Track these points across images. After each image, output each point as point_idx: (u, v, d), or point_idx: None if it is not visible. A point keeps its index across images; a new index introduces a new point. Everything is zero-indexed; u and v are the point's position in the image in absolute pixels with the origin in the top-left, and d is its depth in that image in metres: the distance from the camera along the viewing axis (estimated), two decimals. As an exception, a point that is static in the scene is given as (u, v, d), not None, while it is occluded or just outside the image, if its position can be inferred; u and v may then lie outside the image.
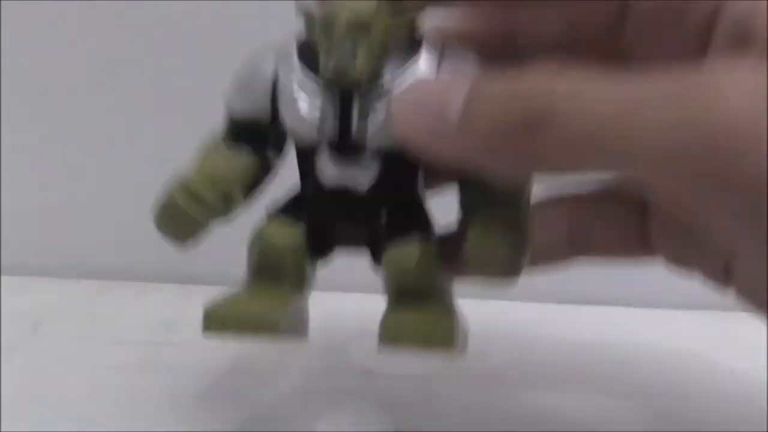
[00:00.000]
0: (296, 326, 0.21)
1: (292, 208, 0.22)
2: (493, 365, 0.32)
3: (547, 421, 0.28)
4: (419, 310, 0.20)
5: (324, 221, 0.22)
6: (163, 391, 0.29)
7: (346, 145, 0.20)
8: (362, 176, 0.21)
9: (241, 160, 0.22)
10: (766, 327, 0.33)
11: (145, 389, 0.29)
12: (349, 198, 0.21)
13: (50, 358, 0.32)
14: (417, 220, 0.22)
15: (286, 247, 0.21)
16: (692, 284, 0.24)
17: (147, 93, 0.41)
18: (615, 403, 0.29)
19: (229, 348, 0.31)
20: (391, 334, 0.19)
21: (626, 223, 0.24)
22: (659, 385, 0.31)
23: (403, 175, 0.21)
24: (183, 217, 0.20)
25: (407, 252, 0.21)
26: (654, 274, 0.39)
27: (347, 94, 0.20)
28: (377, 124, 0.20)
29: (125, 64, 0.40)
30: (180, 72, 0.40)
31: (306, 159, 0.21)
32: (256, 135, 0.22)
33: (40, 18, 0.40)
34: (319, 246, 0.22)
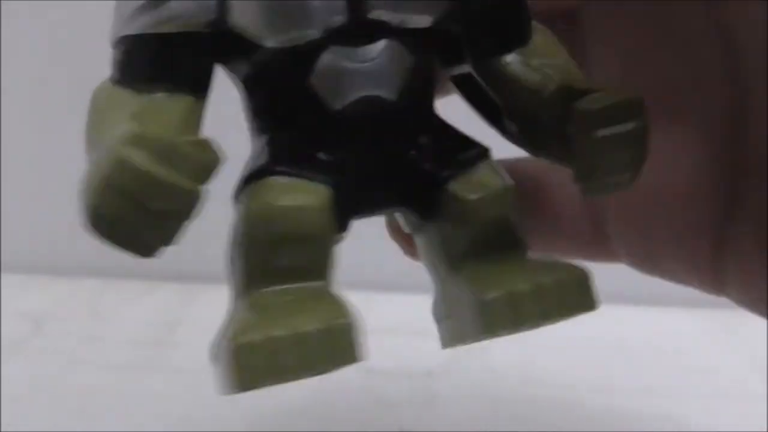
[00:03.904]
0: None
1: (290, 161, 0.14)
2: (493, 364, 0.32)
3: (548, 419, 0.28)
4: (532, 267, 0.15)
5: (344, 166, 0.15)
6: (166, 391, 0.29)
7: (363, 26, 0.14)
8: (393, 69, 0.14)
9: (179, 105, 0.14)
10: (766, 327, 0.33)
11: (148, 389, 0.29)
12: (375, 118, 0.15)
13: (52, 358, 0.32)
14: (462, 136, 0.16)
15: (314, 221, 0.14)
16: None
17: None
18: (615, 403, 0.29)
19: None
20: (518, 308, 0.14)
21: None
22: (659, 385, 0.31)
23: (429, 65, 0.15)
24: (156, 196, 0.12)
25: (491, 185, 0.15)
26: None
27: None
28: None
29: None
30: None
31: (288, 77, 0.14)
32: (182, 61, 0.14)
33: (41, 18, 0.40)
34: (342, 209, 0.15)
